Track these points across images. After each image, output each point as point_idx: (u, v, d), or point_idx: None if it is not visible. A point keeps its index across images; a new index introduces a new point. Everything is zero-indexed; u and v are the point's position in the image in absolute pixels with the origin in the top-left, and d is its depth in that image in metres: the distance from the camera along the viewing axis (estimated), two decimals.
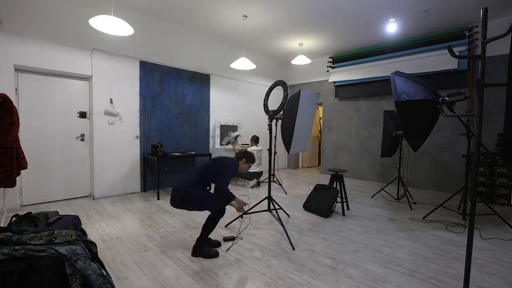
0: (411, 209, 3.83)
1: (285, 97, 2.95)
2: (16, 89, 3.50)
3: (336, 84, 6.44)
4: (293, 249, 2.53)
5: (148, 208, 3.72)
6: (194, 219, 3.31)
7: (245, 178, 5.38)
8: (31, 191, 3.68)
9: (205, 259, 2.32)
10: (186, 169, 5.18)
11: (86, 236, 1.76)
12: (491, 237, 2.83)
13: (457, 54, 3.55)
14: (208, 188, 2.63)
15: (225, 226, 3.05)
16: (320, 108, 7.32)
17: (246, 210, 2.74)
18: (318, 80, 6.91)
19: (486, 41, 1.43)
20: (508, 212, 3.65)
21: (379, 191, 4.67)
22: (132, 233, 2.84)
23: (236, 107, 6.20)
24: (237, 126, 6.07)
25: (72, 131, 4.03)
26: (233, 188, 5.07)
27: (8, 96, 2.62)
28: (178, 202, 2.37)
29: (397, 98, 2.78)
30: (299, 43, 5.77)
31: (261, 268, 2.19)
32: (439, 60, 4.78)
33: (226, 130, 5.88)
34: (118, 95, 4.27)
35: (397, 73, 3.01)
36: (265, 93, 3.25)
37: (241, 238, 2.73)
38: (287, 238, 2.65)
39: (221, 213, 2.37)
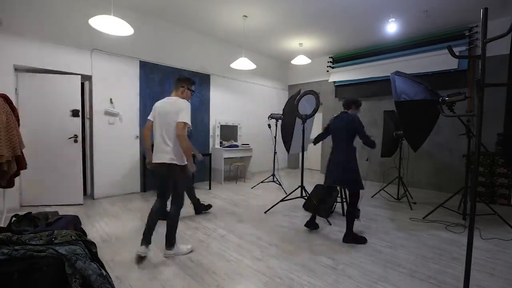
0: (411, 209, 3.83)
1: (317, 104, 3.48)
2: (16, 89, 3.50)
3: (336, 84, 6.45)
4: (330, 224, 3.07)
5: (148, 208, 3.65)
6: (194, 219, 3.31)
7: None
8: (31, 191, 3.65)
9: (204, 258, 2.32)
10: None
11: (86, 236, 1.76)
12: (491, 237, 2.83)
13: (457, 54, 3.55)
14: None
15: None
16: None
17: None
18: (318, 80, 6.91)
19: (486, 41, 1.43)
20: (508, 212, 3.65)
21: (379, 191, 4.66)
22: (132, 233, 2.84)
23: (236, 107, 6.20)
24: (237, 126, 6.07)
25: (66, 132, 3.73)
26: (232, 188, 5.07)
27: (8, 97, 2.63)
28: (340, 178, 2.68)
29: (397, 98, 2.78)
30: (299, 43, 5.77)
31: (261, 268, 2.19)
32: (439, 60, 4.77)
33: (226, 130, 5.89)
34: (118, 95, 4.26)
35: (397, 73, 3.01)
36: (296, 100, 3.61)
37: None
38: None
39: None
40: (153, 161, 2.35)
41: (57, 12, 3.63)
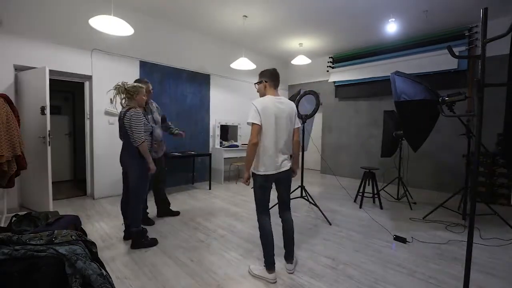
0: (411, 209, 3.83)
1: (317, 104, 3.56)
2: (16, 89, 3.50)
3: (336, 84, 6.44)
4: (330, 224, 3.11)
5: (148, 208, 3.71)
6: (194, 219, 3.31)
7: None
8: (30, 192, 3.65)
9: (204, 258, 2.32)
10: None
11: (86, 236, 1.76)
12: (491, 237, 2.83)
13: (457, 54, 3.55)
14: None
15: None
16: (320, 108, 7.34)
17: None
18: (318, 80, 6.91)
19: (486, 41, 1.43)
20: (508, 212, 3.64)
21: (379, 191, 4.65)
22: None
23: (236, 107, 6.19)
24: (237, 126, 6.07)
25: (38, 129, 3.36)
26: (232, 188, 5.07)
27: (8, 97, 2.63)
28: None
29: (397, 98, 2.78)
30: (299, 43, 5.77)
31: None
32: (439, 60, 4.77)
33: (226, 130, 5.88)
34: None
35: (397, 73, 3.01)
36: (296, 101, 3.61)
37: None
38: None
39: None
40: None
41: (57, 12, 3.63)
